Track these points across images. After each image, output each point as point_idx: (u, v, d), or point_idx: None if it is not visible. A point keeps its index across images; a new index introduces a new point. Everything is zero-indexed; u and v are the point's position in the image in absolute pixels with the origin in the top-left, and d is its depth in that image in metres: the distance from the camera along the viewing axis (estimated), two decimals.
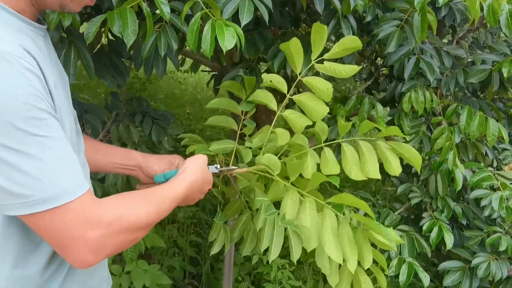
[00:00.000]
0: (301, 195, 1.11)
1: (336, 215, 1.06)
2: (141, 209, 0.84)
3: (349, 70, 1.18)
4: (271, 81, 1.22)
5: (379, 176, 1.13)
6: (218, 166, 1.19)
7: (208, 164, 1.15)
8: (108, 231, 0.77)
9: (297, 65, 1.17)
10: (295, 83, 1.21)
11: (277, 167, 1.12)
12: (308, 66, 1.21)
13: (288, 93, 1.23)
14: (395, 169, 1.13)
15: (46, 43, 0.87)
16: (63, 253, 0.77)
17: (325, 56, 1.18)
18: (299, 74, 1.20)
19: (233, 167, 1.22)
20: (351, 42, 1.15)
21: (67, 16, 1.16)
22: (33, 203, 0.71)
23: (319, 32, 1.14)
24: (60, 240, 0.75)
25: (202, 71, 2.93)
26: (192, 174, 1.02)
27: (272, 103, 1.22)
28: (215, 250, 1.31)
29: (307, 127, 1.22)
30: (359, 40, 1.15)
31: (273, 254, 1.06)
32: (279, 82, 1.22)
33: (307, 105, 1.18)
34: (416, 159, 1.12)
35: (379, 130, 1.16)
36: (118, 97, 1.96)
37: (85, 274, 0.94)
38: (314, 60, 1.19)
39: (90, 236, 0.75)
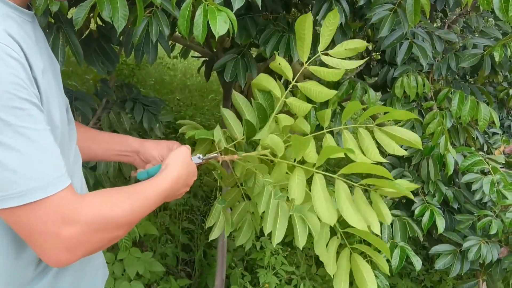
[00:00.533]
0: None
1: (348, 185, 1.03)
2: (122, 207, 0.81)
3: (351, 64, 1.17)
4: (279, 63, 1.19)
5: (382, 159, 1.13)
6: (201, 155, 1.16)
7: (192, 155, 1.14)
8: (85, 230, 0.74)
9: (305, 49, 1.15)
10: (302, 69, 1.20)
11: (280, 148, 1.09)
12: (314, 57, 1.20)
13: (293, 79, 1.21)
14: (399, 151, 1.14)
15: (34, 29, 0.84)
16: (37, 250, 0.74)
17: (330, 53, 1.18)
18: (305, 62, 1.19)
19: (215, 154, 1.19)
20: (355, 43, 1.15)
21: (55, 1, 1.13)
22: (7, 197, 0.68)
23: (330, 24, 1.13)
24: (34, 237, 0.72)
25: (193, 57, 2.90)
26: (174, 170, 0.99)
27: (276, 90, 1.20)
28: (214, 235, 1.29)
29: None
30: (364, 42, 1.14)
31: (277, 238, 1.04)
32: (286, 67, 1.19)
33: (312, 90, 1.17)
34: (415, 141, 1.12)
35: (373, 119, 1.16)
36: (108, 83, 1.94)
37: (80, 263, 0.93)
38: (321, 51, 1.18)
39: (65, 234, 0.72)
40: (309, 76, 3.11)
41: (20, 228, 0.72)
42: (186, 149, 1.08)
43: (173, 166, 1.00)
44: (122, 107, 1.91)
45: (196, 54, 2.70)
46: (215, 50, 2.35)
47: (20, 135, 0.67)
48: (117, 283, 2.18)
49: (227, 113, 1.24)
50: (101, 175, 1.77)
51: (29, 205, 0.69)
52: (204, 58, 2.44)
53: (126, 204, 0.82)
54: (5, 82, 0.66)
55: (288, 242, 2.87)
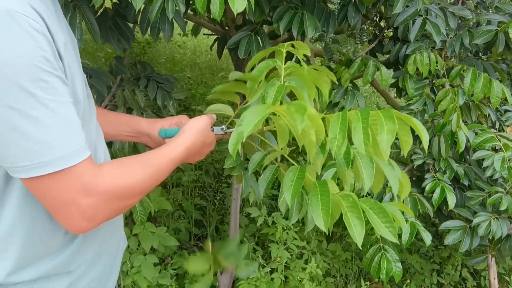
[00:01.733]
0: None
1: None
2: (138, 176, 0.84)
3: None
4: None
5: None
6: (224, 127, 1.16)
7: (215, 125, 1.15)
8: (103, 198, 0.78)
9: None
10: None
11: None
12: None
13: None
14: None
15: (54, 3, 0.85)
16: (58, 217, 0.78)
17: None
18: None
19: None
20: None
21: None
22: (31, 167, 0.71)
23: None
24: (56, 205, 0.76)
25: (204, 34, 2.90)
26: (190, 137, 1.01)
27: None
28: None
29: None
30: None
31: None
32: (302, 46, 1.15)
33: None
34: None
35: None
36: (122, 61, 1.96)
37: (105, 233, 0.97)
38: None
39: (85, 202, 0.76)
40: (320, 54, 3.10)
41: (43, 197, 0.76)
42: (206, 118, 1.09)
43: (188, 133, 1.02)
44: (136, 85, 1.94)
45: (207, 31, 2.70)
46: (227, 27, 2.35)
47: (45, 107, 0.70)
48: (132, 257, 2.24)
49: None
50: (116, 151, 1.80)
51: (52, 175, 0.72)
52: (215, 36, 2.44)
53: (141, 173, 0.85)
54: (31, 55, 0.68)
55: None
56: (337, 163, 0.98)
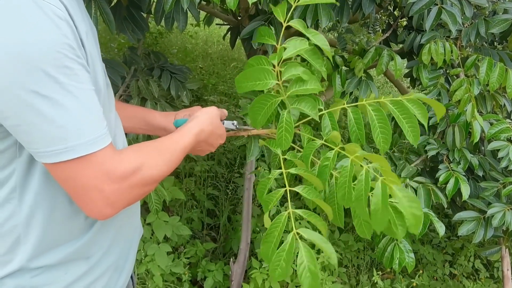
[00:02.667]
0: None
1: None
2: (156, 163, 0.86)
3: None
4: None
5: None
6: (236, 122, 1.17)
7: (227, 119, 1.15)
8: (124, 185, 0.79)
9: None
10: None
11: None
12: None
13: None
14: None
15: None
16: (80, 203, 0.79)
17: None
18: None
19: (252, 127, 1.20)
20: None
21: None
22: (54, 152, 0.72)
23: None
24: (79, 191, 0.77)
25: (217, 24, 2.90)
26: (198, 124, 1.03)
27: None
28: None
29: None
30: None
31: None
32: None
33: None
34: (439, 108, 1.06)
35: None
36: (135, 51, 1.97)
37: (122, 221, 0.98)
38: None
39: (108, 189, 0.77)
40: (332, 44, 3.08)
41: (65, 183, 0.77)
42: (215, 108, 1.11)
43: (197, 120, 1.04)
44: (150, 75, 1.95)
45: (220, 21, 2.70)
46: (239, 17, 2.34)
47: (68, 93, 0.71)
48: (146, 246, 2.27)
49: None
50: (131, 140, 1.82)
51: (75, 161, 0.73)
52: (226, 26, 2.44)
53: (159, 161, 0.87)
54: (55, 42, 0.69)
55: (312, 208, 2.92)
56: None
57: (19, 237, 0.84)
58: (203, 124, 1.04)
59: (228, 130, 1.19)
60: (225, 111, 1.15)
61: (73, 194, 0.78)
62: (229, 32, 2.31)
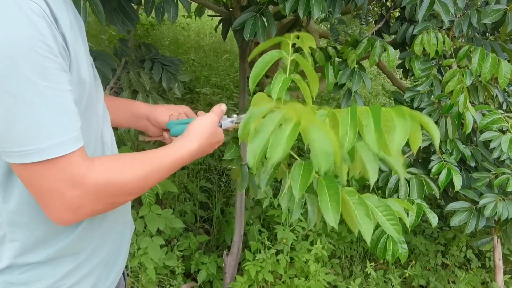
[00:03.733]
0: None
1: None
2: (132, 174, 0.82)
3: None
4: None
5: None
6: (234, 119, 1.09)
7: (225, 116, 1.09)
8: (91, 192, 0.76)
9: None
10: None
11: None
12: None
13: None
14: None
15: None
16: (43, 206, 0.77)
17: None
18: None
19: None
20: None
21: None
22: (22, 153, 0.69)
23: None
24: (42, 193, 0.74)
25: (209, 15, 2.87)
26: (195, 141, 0.97)
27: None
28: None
29: None
30: None
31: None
32: (308, 37, 1.10)
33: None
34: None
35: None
36: (126, 43, 1.95)
37: (112, 217, 0.97)
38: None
39: (70, 194, 0.74)
40: (325, 35, 3.07)
41: (29, 184, 0.75)
42: (213, 116, 1.04)
43: (194, 136, 0.98)
44: (141, 67, 1.93)
45: (211, 12, 2.67)
46: (231, 8, 2.32)
47: (40, 93, 0.68)
48: (139, 239, 2.26)
49: None
50: (122, 133, 1.81)
51: (41, 163, 0.71)
52: (219, 17, 2.42)
53: (136, 171, 0.83)
54: (29, 40, 0.67)
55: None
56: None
57: (4, 235, 0.83)
58: (201, 140, 0.98)
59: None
60: (224, 106, 1.09)
61: (36, 196, 0.76)
62: (221, 24, 2.29)
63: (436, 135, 0.78)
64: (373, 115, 0.81)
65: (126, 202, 0.87)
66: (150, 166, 0.86)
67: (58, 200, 0.74)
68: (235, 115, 1.10)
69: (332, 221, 0.85)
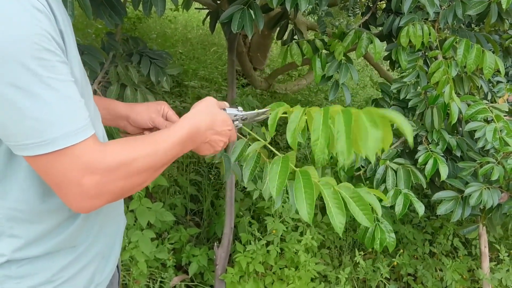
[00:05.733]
0: None
1: None
2: (141, 152, 0.83)
3: None
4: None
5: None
6: (241, 108, 1.08)
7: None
8: (107, 178, 0.77)
9: None
10: None
11: None
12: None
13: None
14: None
15: None
16: (62, 196, 0.78)
17: None
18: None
19: (264, 109, 1.09)
20: None
21: None
22: (33, 145, 0.71)
23: None
24: (59, 183, 0.75)
25: (196, 8, 2.87)
26: (193, 117, 0.98)
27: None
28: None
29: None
30: None
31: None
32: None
33: None
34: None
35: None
36: (114, 37, 1.94)
37: (107, 209, 0.98)
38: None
39: (87, 182, 0.75)
40: (313, 28, 3.07)
41: (46, 176, 0.76)
42: (210, 98, 1.06)
43: (193, 111, 1.00)
44: (129, 61, 1.92)
45: (199, 5, 2.67)
46: (218, 1, 2.33)
47: (46, 85, 0.70)
48: (129, 232, 2.27)
49: None
50: (113, 128, 1.80)
51: (54, 153, 0.72)
52: (206, 10, 2.42)
53: (147, 151, 0.84)
54: (32, 33, 0.68)
55: None
56: (316, 162, 0.98)
57: (3, 230, 0.83)
58: (199, 116, 0.99)
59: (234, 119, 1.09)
60: (226, 103, 1.09)
61: (54, 187, 0.77)
62: (209, 17, 2.29)
63: (409, 132, 0.79)
64: (344, 122, 0.83)
65: (144, 182, 0.87)
66: (157, 144, 0.87)
67: (76, 188, 0.75)
68: (240, 107, 1.10)
69: (306, 216, 0.90)
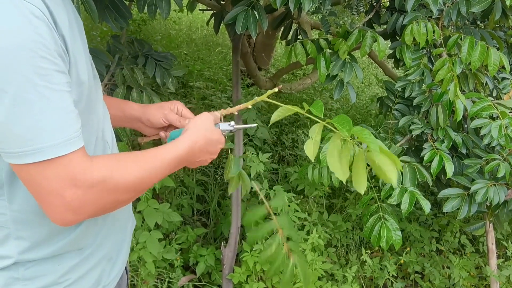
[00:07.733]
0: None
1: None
2: (130, 172, 0.82)
3: None
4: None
5: None
6: (233, 123, 1.10)
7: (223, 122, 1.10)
8: (89, 192, 0.76)
9: None
10: None
11: None
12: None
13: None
14: None
15: None
16: (44, 208, 0.77)
17: None
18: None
19: (251, 125, 1.15)
20: None
21: None
22: (22, 154, 0.70)
23: None
24: (42, 195, 0.75)
25: (200, 10, 2.88)
26: (190, 137, 0.97)
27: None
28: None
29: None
30: None
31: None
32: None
33: None
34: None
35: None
36: (119, 40, 1.96)
37: (116, 212, 0.98)
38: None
39: (69, 194, 0.74)
40: (317, 27, 3.07)
41: (29, 185, 0.75)
42: (208, 114, 1.06)
43: (189, 132, 0.99)
44: (135, 63, 1.94)
45: (203, 7, 2.68)
46: (223, 2, 2.34)
47: (39, 93, 0.69)
48: (137, 233, 2.28)
49: None
50: (118, 129, 1.82)
51: (40, 163, 0.72)
52: (210, 11, 2.43)
53: (136, 168, 0.83)
54: (29, 41, 0.68)
55: (300, 190, 2.96)
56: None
57: (10, 233, 0.84)
58: (195, 136, 0.98)
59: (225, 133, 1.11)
60: (218, 114, 1.10)
61: (36, 197, 0.76)
62: (213, 18, 2.31)
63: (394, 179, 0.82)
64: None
65: (129, 200, 0.87)
66: (150, 163, 0.87)
67: (58, 200, 0.74)
68: (232, 122, 1.11)
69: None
